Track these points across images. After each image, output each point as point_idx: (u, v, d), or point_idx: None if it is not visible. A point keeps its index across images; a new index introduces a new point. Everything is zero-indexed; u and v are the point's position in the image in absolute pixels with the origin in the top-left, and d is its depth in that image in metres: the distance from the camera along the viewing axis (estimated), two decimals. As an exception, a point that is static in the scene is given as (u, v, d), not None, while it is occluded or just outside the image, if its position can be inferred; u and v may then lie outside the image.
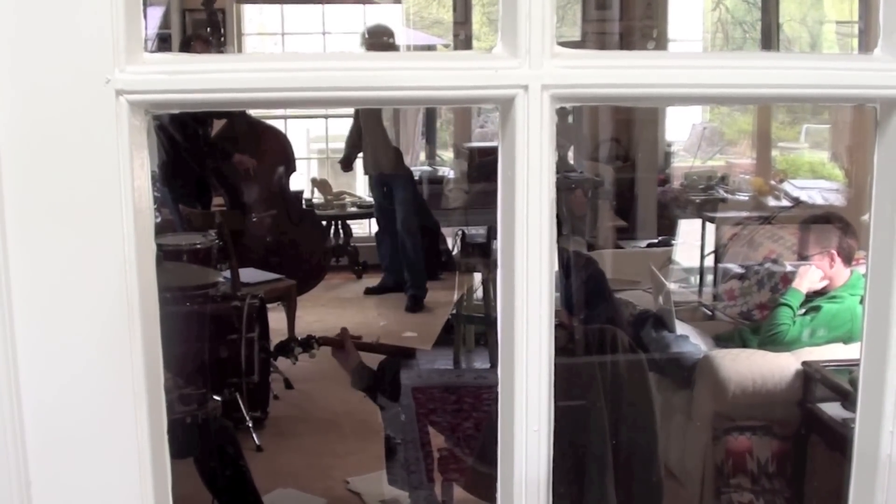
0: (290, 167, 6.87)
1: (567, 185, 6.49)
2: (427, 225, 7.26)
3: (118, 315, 0.92)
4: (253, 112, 6.64)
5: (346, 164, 7.65)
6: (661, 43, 7.64)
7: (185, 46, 6.33)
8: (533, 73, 0.93)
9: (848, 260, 4.25)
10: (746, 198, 6.96)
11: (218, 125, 6.51)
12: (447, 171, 7.79)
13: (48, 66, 0.87)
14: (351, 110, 7.40)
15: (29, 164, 0.88)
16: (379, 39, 6.68)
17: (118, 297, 0.92)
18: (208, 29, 7.05)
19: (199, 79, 0.91)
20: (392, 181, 7.19)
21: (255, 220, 6.47)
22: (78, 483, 0.95)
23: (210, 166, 6.31)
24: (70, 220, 0.90)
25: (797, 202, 6.36)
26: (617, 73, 0.96)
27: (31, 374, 0.92)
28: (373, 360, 3.84)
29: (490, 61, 0.94)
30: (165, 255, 5.18)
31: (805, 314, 4.25)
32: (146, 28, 7.02)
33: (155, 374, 0.96)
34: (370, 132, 7.11)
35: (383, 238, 7.55)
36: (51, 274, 0.91)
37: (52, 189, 0.89)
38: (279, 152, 6.74)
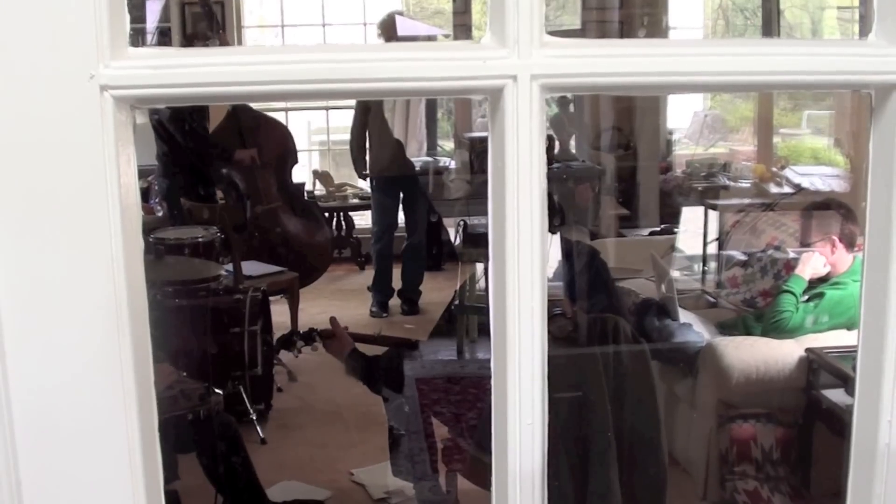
0: (292, 159, 6.85)
1: (572, 176, 6.48)
2: (429, 218, 7.24)
3: (106, 312, 0.91)
4: (254, 104, 6.64)
5: (363, 169, 7.17)
6: (658, 31, 7.61)
7: (188, 44, 6.31)
8: (521, 63, 0.92)
9: (850, 246, 4.24)
10: (748, 185, 6.95)
11: (218, 118, 6.50)
12: (448, 162, 7.77)
13: (30, 62, 0.86)
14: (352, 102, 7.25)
15: (12, 161, 0.87)
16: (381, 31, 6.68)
17: (106, 294, 0.91)
18: (204, 23, 7.05)
19: (184, 73, 0.90)
20: (398, 181, 6.99)
21: (257, 212, 6.46)
22: (69, 482, 0.95)
23: (211, 162, 6.30)
24: (56, 217, 0.89)
25: (799, 189, 6.35)
26: (606, 62, 0.95)
27: (19, 372, 0.91)
28: (375, 353, 3.85)
29: (478, 52, 0.93)
30: (167, 249, 5.18)
31: (808, 301, 4.25)
32: (146, 22, 7.03)
33: (145, 371, 0.96)
34: (375, 128, 6.89)
35: (387, 254, 7.11)
36: (37, 272, 0.90)
37: (37, 186, 0.88)
38: (281, 144, 6.73)
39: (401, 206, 7.17)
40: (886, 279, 1.03)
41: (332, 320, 3.70)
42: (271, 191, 6.62)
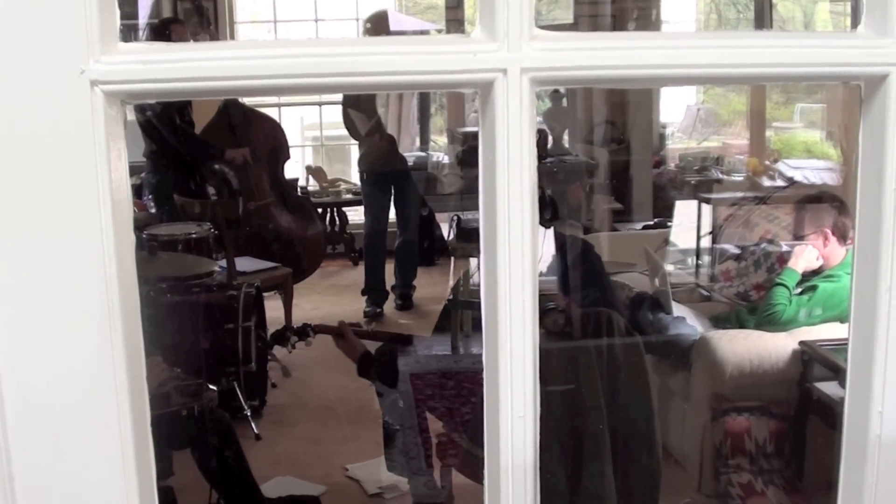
0: (284, 155, 6.84)
1: (565, 171, 6.48)
2: (421, 213, 7.19)
3: (98, 307, 0.91)
4: (247, 100, 6.62)
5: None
6: (650, 24, 7.62)
7: (163, 29, 6.25)
8: (511, 57, 0.92)
9: (843, 239, 4.25)
10: (741, 178, 6.97)
11: (207, 114, 6.48)
12: (441, 157, 7.76)
13: (20, 57, 0.86)
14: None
15: (2, 157, 0.87)
16: (370, 24, 6.62)
17: (98, 290, 0.91)
18: (195, 19, 7.03)
19: (173, 68, 0.90)
20: (397, 177, 6.87)
21: (249, 208, 6.45)
22: (62, 478, 0.95)
23: (202, 159, 6.29)
24: (47, 212, 0.89)
25: (791, 182, 6.37)
26: (596, 55, 0.95)
27: (11, 368, 0.91)
28: (370, 348, 3.84)
29: (469, 45, 0.93)
30: (160, 246, 5.17)
31: (801, 294, 4.25)
32: (138, 17, 7.01)
33: (137, 367, 0.96)
34: (370, 122, 6.76)
35: (379, 250, 6.94)
36: (28, 267, 0.90)
37: (28, 182, 0.88)
38: (272, 140, 6.71)
39: (392, 202, 7.05)
40: (876, 271, 1.03)
41: (342, 323, 3.70)
42: (263, 187, 6.61)
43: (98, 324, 0.92)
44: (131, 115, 5.55)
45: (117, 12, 0.90)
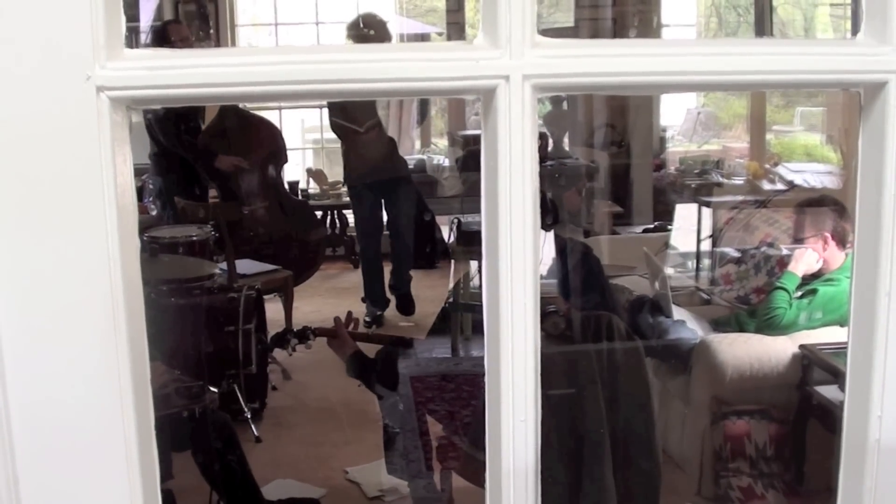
0: (282, 158, 6.82)
1: (565, 174, 6.47)
2: (421, 216, 7.15)
3: (103, 312, 0.92)
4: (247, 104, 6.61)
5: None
6: (650, 28, 7.62)
7: (163, 32, 6.23)
8: (514, 64, 0.93)
9: (843, 243, 4.25)
10: (742, 182, 6.97)
11: (208, 119, 6.48)
12: (441, 160, 7.75)
13: (27, 63, 0.87)
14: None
15: (9, 162, 0.88)
16: (374, 30, 6.52)
17: (102, 294, 0.92)
18: (197, 23, 7.03)
19: (179, 74, 0.91)
20: (389, 184, 6.63)
21: (247, 211, 6.45)
22: (66, 480, 0.95)
23: (199, 162, 6.29)
24: (53, 217, 0.90)
25: (791, 185, 6.37)
26: (598, 62, 0.95)
27: (16, 372, 0.92)
28: (370, 350, 3.85)
29: (471, 52, 0.94)
30: (161, 248, 5.18)
31: (801, 297, 4.25)
32: (140, 21, 7.02)
33: (141, 370, 0.96)
34: (364, 128, 6.51)
35: (374, 267, 6.80)
36: (34, 272, 0.90)
37: (34, 187, 0.89)
38: (270, 143, 6.69)
39: (384, 209, 6.82)
40: (876, 276, 1.03)
41: (337, 320, 3.70)
42: (261, 190, 6.60)
43: (103, 327, 0.92)
44: (137, 117, 5.55)
45: (123, 19, 0.91)
